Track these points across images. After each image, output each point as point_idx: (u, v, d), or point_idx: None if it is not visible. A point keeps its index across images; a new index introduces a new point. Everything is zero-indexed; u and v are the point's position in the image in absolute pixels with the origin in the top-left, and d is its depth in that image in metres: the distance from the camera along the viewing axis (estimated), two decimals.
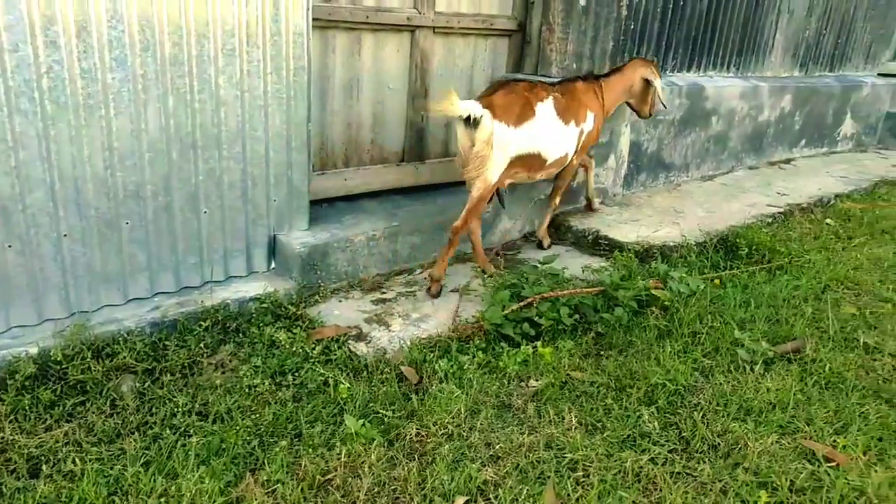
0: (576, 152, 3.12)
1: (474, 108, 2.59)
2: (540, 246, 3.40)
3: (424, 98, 3.21)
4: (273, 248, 2.70)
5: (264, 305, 2.47)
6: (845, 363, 2.02)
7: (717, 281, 2.65)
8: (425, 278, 2.89)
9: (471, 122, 2.62)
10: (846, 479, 1.57)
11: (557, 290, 2.55)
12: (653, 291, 2.41)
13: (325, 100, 2.95)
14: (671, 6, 4.00)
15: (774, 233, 3.63)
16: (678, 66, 4.27)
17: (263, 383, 2.02)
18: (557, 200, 3.34)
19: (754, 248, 3.28)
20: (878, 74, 6.60)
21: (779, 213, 3.95)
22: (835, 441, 1.71)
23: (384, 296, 2.76)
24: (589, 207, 3.75)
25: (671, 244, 3.30)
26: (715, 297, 2.50)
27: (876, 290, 2.54)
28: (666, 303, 2.38)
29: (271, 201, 2.62)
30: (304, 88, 2.55)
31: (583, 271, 3.04)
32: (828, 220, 4.08)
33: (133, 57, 2.10)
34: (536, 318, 2.37)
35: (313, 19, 2.63)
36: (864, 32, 6.04)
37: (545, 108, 2.87)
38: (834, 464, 1.63)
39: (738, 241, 3.34)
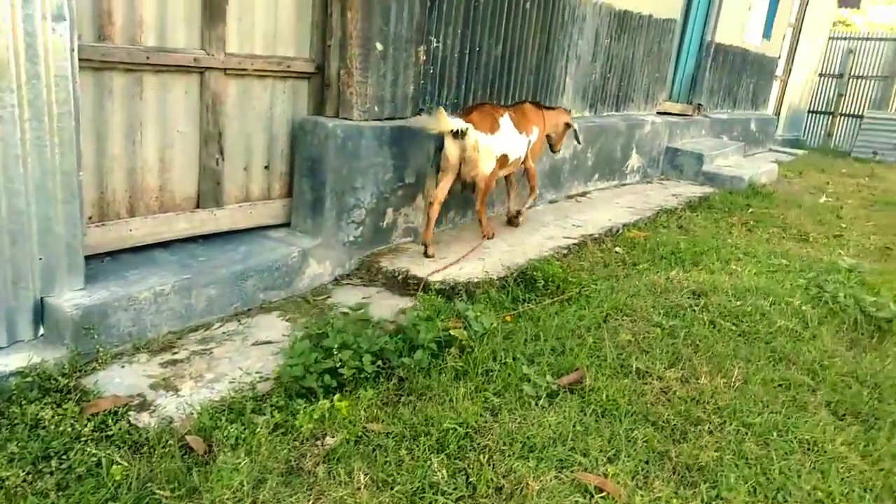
0: (526, 156, 4.25)
1: (460, 124, 3.54)
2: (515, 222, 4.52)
3: (219, 141, 3.08)
4: (41, 313, 2.41)
5: (28, 380, 2.19)
6: (620, 390, 2.19)
7: (510, 317, 2.77)
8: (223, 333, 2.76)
9: (458, 135, 3.55)
10: None
11: (363, 335, 2.53)
12: (451, 331, 2.47)
13: (104, 145, 2.72)
14: (468, 52, 4.21)
15: (569, 263, 3.89)
16: None
17: (19, 474, 1.78)
18: (535, 191, 4.64)
19: (549, 279, 3.48)
20: (658, 113, 7.42)
21: (573, 244, 4.25)
22: (606, 470, 1.84)
23: (175, 356, 2.57)
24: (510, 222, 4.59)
25: (475, 280, 3.42)
26: (509, 333, 2.61)
27: (648, 316, 2.80)
28: (463, 342, 2.44)
29: (36, 260, 2.35)
30: (71, 135, 2.33)
31: (393, 314, 3.06)
32: (616, 249, 4.46)
33: None
34: (339, 368, 2.33)
35: (83, 60, 2.43)
36: (643, 76, 6.76)
37: (506, 121, 3.93)
38: (605, 494, 1.74)
39: (535, 273, 3.53)
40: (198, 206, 3.12)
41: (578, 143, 4.99)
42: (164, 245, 3.04)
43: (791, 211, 6.42)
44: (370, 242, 3.66)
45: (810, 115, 16.66)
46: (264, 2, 3.09)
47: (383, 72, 3.52)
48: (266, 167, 3.36)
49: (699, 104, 8.56)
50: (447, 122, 3.46)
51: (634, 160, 6.69)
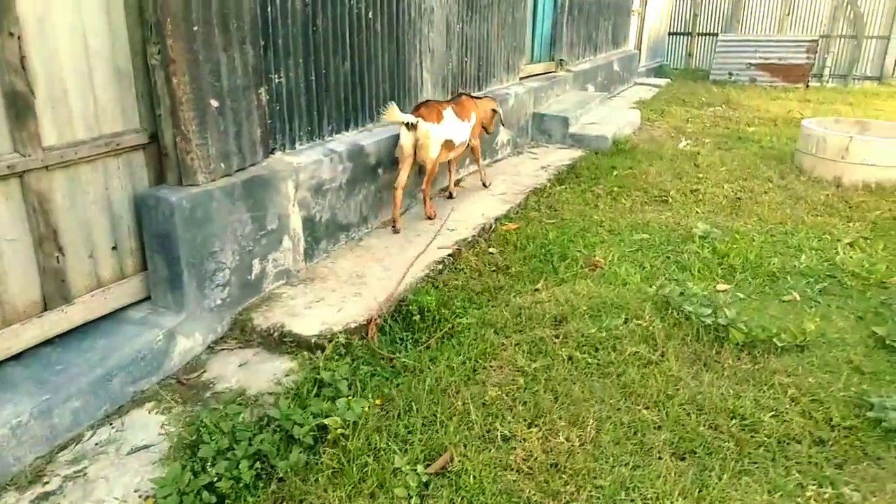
0: (470, 136, 5.23)
1: (411, 118, 4.44)
2: (451, 196, 5.53)
3: (55, 239, 2.90)
4: None
5: None
6: (486, 466, 2.30)
7: (380, 400, 2.78)
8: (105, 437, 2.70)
9: (410, 127, 4.45)
10: None
11: (239, 433, 2.54)
12: (326, 421, 2.52)
13: None
14: (314, 78, 4.10)
15: (445, 282, 3.99)
16: (335, 130, 4.41)
17: None
18: (481, 161, 5.80)
19: (425, 312, 3.58)
20: (521, 79, 7.52)
21: (448, 255, 4.34)
22: None
23: (47, 487, 2.49)
24: (450, 196, 5.57)
25: (353, 326, 3.46)
26: (382, 413, 2.67)
27: (513, 358, 2.95)
28: (339, 429, 2.50)
29: None
30: None
31: (272, 383, 3.06)
32: (491, 250, 4.61)
33: None
34: (216, 482, 2.34)
35: None
36: (501, 50, 6.80)
37: (448, 112, 4.83)
38: None
39: (410, 307, 3.61)
40: (45, 309, 2.95)
41: (502, 124, 6.33)
42: (17, 357, 2.88)
43: (653, 166, 6.78)
44: (240, 298, 3.60)
45: (671, 37, 17.33)
46: (78, 85, 2.87)
47: (223, 127, 3.38)
48: (114, 248, 3.20)
49: (561, 60, 8.74)
50: (398, 114, 4.36)
51: (503, 135, 6.81)
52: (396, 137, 4.79)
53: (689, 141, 8.12)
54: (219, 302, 3.46)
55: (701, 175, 6.56)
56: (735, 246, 4.72)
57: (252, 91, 3.57)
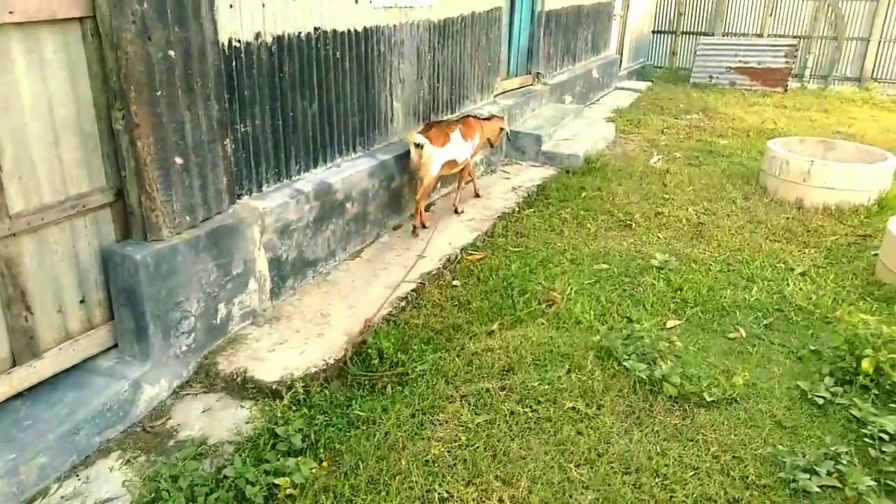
0: (471, 156, 5.94)
1: (421, 139, 5.11)
2: (456, 211, 6.03)
3: (23, 300, 3.05)
4: None
5: None
6: None
7: (327, 461, 2.94)
8: None
9: (418, 146, 5.11)
10: None
11: (196, 490, 2.71)
12: (276, 480, 2.70)
13: None
14: (281, 122, 4.23)
15: (406, 321, 4.16)
16: (304, 168, 4.55)
17: None
18: (464, 179, 6.19)
19: (384, 356, 3.75)
20: (494, 97, 7.65)
21: (412, 290, 4.51)
22: None
23: None
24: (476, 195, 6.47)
25: (314, 370, 3.63)
26: (331, 471, 2.84)
27: (459, 412, 3.13)
28: (288, 490, 2.67)
29: None
30: None
31: (233, 433, 3.23)
32: (455, 282, 4.78)
33: None
34: None
35: None
36: (474, 71, 6.93)
37: (455, 134, 5.53)
38: None
39: (369, 350, 3.78)
40: (14, 365, 3.10)
41: (508, 140, 7.33)
42: None
43: (622, 186, 6.94)
44: (206, 342, 3.76)
45: (655, 35, 17.41)
46: (45, 153, 3.00)
47: (188, 182, 3.52)
48: (82, 301, 3.35)
49: (538, 73, 8.86)
50: (413, 136, 5.17)
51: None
52: (365, 171, 4.95)
53: (661, 156, 8.28)
54: (184, 348, 3.62)
55: (667, 196, 6.73)
56: (691, 277, 4.90)
57: (217, 144, 3.70)
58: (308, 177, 4.57)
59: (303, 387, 3.47)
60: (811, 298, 4.66)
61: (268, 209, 4.07)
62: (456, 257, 5.10)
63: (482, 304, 4.44)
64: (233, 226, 3.81)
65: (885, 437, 2.80)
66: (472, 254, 5.20)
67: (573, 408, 3.03)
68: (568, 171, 7.30)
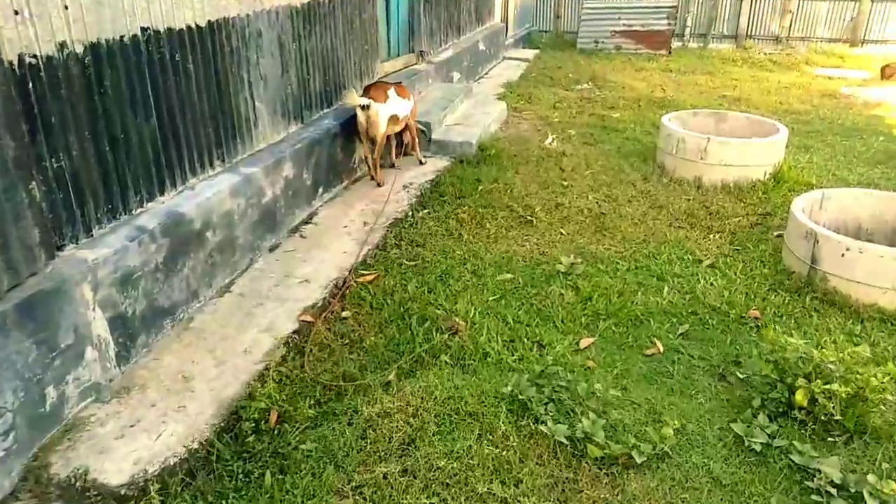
0: (411, 114, 6.30)
1: (365, 101, 5.50)
2: (420, 162, 6.67)
3: None
4: None
5: None
6: None
7: None
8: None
9: (364, 108, 5.52)
10: None
11: None
12: None
13: None
14: (108, 147, 3.43)
15: (289, 373, 3.54)
16: (146, 198, 3.77)
17: None
18: (416, 138, 6.66)
19: (261, 428, 3.13)
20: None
21: (293, 334, 3.88)
22: None
23: None
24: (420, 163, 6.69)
25: (174, 461, 2.96)
26: None
27: None
28: None
29: None
30: None
31: None
32: (344, 314, 4.18)
33: None
34: None
35: None
36: (349, 56, 6.22)
37: (392, 92, 5.84)
38: None
39: (243, 423, 3.15)
40: None
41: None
42: None
43: (519, 174, 6.53)
44: (33, 438, 3.00)
45: None
46: None
47: None
48: None
49: (421, 51, 8.25)
50: (356, 98, 5.50)
51: (359, 151, 6.29)
52: (226, 190, 4.23)
53: (556, 135, 7.93)
54: (2, 453, 2.85)
55: (566, 182, 6.38)
56: (599, 281, 4.56)
57: (18, 190, 2.89)
58: (153, 208, 3.79)
59: (159, 489, 2.81)
60: (723, 296, 4.43)
61: (101, 259, 3.29)
62: (344, 281, 4.48)
63: (377, 341, 3.88)
64: (52, 289, 3.03)
65: (832, 489, 2.51)
66: (363, 274, 4.61)
67: (488, 491, 2.55)
68: (462, 161, 6.78)
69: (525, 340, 3.89)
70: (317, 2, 5.45)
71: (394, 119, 5.89)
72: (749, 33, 15.78)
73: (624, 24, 13.49)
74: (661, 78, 11.18)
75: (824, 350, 3.02)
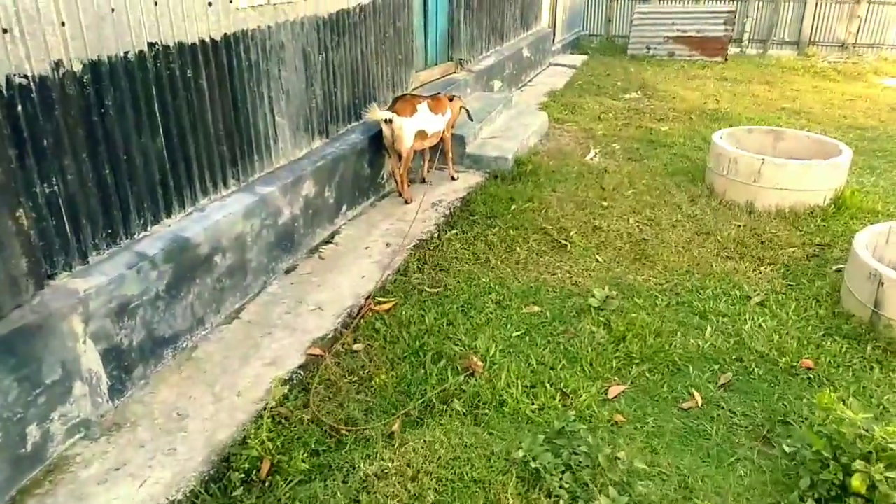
0: (445, 129, 6.03)
1: (388, 114, 5.29)
2: (452, 178, 6.42)
3: None
4: None
5: None
6: None
7: None
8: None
9: (388, 122, 5.32)
10: None
11: None
12: None
13: None
14: (110, 170, 3.26)
15: (289, 415, 3.30)
16: (150, 221, 3.60)
17: None
18: (450, 153, 6.37)
19: (251, 478, 2.90)
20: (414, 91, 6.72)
21: (299, 369, 3.64)
22: None
23: None
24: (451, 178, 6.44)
25: None
26: None
27: None
28: None
29: None
30: None
31: None
32: (356, 347, 3.93)
33: None
34: None
35: None
36: (381, 67, 5.99)
37: (423, 106, 5.58)
38: None
39: (233, 472, 2.92)
40: None
41: (470, 119, 6.70)
42: None
43: (556, 192, 6.18)
44: (12, 480, 2.83)
45: (589, 1, 16.62)
46: None
47: None
48: None
49: (460, 59, 7.96)
50: (378, 113, 5.29)
51: (388, 167, 6.04)
52: (240, 212, 4.03)
53: (598, 149, 7.54)
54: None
55: (606, 203, 5.99)
56: (634, 318, 4.19)
57: (3, 218, 2.73)
58: (157, 232, 3.61)
59: None
60: (773, 340, 4.01)
61: (93, 290, 3.11)
62: (360, 309, 4.23)
63: (387, 380, 3.61)
64: (37, 323, 2.86)
65: None
66: (380, 302, 4.35)
67: None
68: (496, 177, 6.47)
69: (547, 386, 3.56)
70: (346, 12, 5.22)
71: (422, 134, 5.63)
72: (812, 39, 14.96)
73: (678, 30, 12.92)
74: (715, 87, 10.62)
75: (888, 426, 2.61)
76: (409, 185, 5.90)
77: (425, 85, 7.14)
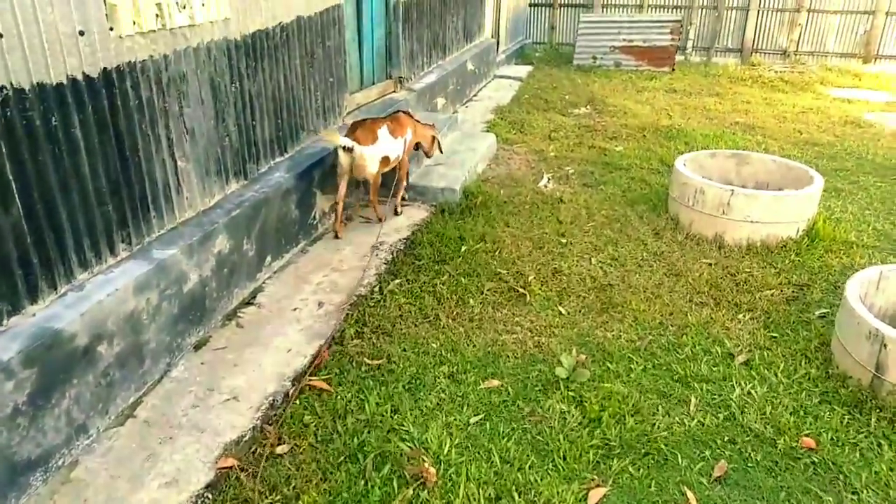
0: (403, 153, 5.51)
1: (348, 142, 4.89)
2: (396, 213, 5.75)
3: None
4: None
5: None
6: None
7: None
8: None
9: (347, 150, 4.91)
10: None
11: None
12: None
13: None
14: None
15: None
16: (10, 312, 2.81)
17: None
18: (403, 182, 5.77)
19: None
20: (344, 118, 6.02)
21: (205, 490, 2.91)
22: None
23: None
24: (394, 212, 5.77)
25: None
26: None
27: None
28: None
29: None
30: None
31: None
32: (279, 450, 3.21)
33: None
34: None
35: None
36: (309, 92, 5.27)
37: (383, 131, 5.16)
38: None
39: None
40: None
41: (441, 151, 6.21)
42: None
43: (509, 228, 5.58)
44: None
45: (532, 8, 16.22)
46: None
47: None
48: None
49: (400, 77, 7.29)
50: (339, 140, 4.85)
51: (321, 204, 5.33)
52: (130, 286, 3.26)
53: (551, 174, 6.98)
54: None
55: (564, 240, 5.42)
56: (609, 390, 3.61)
57: None
58: (16, 326, 2.82)
59: None
60: (766, 413, 3.51)
61: None
62: (285, 397, 3.52)
63: (317, 499, 2.91)
64: None
65: None
66: (310, 381, 3.64)
67: None
68: (444, 211, 5.82)
69: (516, 497, 2.93)
70: (264, 33, 4.49)
71: (384, 161, 5.24)
72: (755, 47, 14.89)
73: (624, 39, 12.56)
74: (665, 100, 10.25)
75: None
76: (379, 206, 5.51)
77: (361, 108, 6.45)
